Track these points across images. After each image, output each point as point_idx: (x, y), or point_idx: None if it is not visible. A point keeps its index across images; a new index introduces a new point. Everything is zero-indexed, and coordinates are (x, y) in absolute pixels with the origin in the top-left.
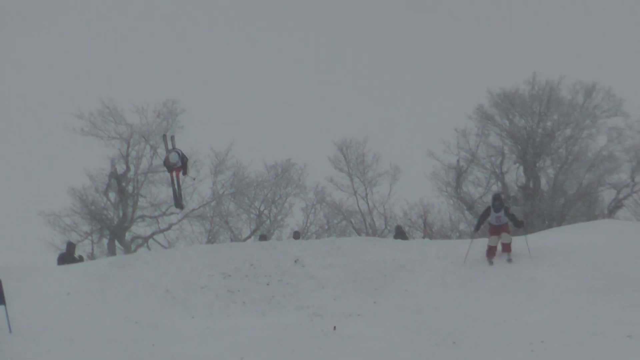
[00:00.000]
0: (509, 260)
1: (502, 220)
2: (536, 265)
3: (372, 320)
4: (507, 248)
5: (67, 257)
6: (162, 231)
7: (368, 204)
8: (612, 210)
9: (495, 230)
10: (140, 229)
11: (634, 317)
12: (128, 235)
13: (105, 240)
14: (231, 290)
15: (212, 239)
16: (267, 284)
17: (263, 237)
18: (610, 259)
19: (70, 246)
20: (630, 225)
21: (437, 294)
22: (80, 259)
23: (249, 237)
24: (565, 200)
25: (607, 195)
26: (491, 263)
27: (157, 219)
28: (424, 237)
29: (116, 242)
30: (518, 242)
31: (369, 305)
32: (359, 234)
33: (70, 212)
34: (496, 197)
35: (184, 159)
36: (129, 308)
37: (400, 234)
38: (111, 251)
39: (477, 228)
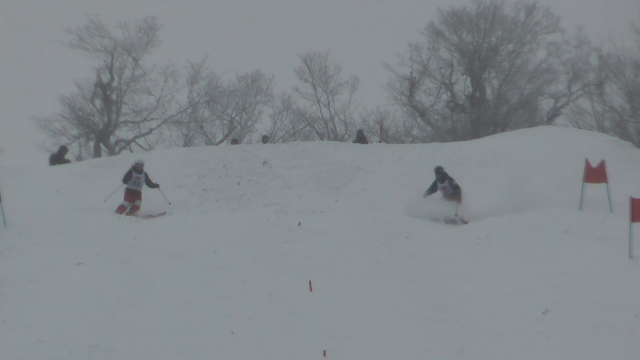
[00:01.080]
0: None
1: (447, 190)
2: (483, 166)
3: (333, 216)
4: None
5: (58, 157)
6: (143, 135)
7: (330, 111)
8: (551, 118)
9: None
10: (123, 133)
11: (569, 213)
12: (112, 139)
13: (91, 143)
14: (205, 189)
15: (188, 142)
16: (238, 184)
17: (234, 141)
18: (548, 161)
19: (63, 149)
20: (566, 131)
21: (392, 193)
22: (68, 162)
23: (221, 141)
24: (508, 109)
25: (546, 104)
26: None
27: (139, 124)
28: (380, 142)
29: (101, 145)
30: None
31: (330, 202)
32: (322, 139)
33: (59, 118)
34: (438, 170)
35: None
36: (113, 204)
37: (360, 138)
38: (97, 153)
39: (428, 193)
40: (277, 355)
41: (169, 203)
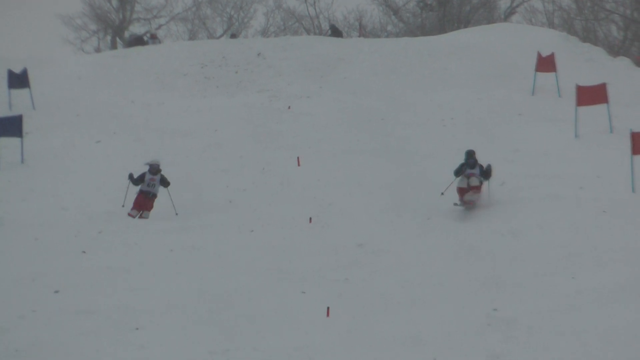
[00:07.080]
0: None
1: (475, 177)
2: (448, 57)
3: (318, 101)
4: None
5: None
6: (153, 30)
7: (315, 9)
8: (507, 16)
9: (464, 191)
10: (136, 28)
11: (522, 99)
12: (127, 33)
13: (108, 37)
14: (207, 77)
15: (192, 37)
16: (236, 72)
17: (233, 36)
18: (505, 53)
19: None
20: (521, 28)
21: (369, 81)
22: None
23: (221, 35)
24: (471, 7)
25: (503, 3)
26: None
27: (149, 21)
28: (359, 36)
29: (117, 39)
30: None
31: (316, 89)
32: (309, 34)
33: (81, 15)
34: (470, 155)
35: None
36: (127, 90)
37: (335, 31)
38: (113, 46)
39: (456, 174)
40: (268, 221)
41: (176, 214)
